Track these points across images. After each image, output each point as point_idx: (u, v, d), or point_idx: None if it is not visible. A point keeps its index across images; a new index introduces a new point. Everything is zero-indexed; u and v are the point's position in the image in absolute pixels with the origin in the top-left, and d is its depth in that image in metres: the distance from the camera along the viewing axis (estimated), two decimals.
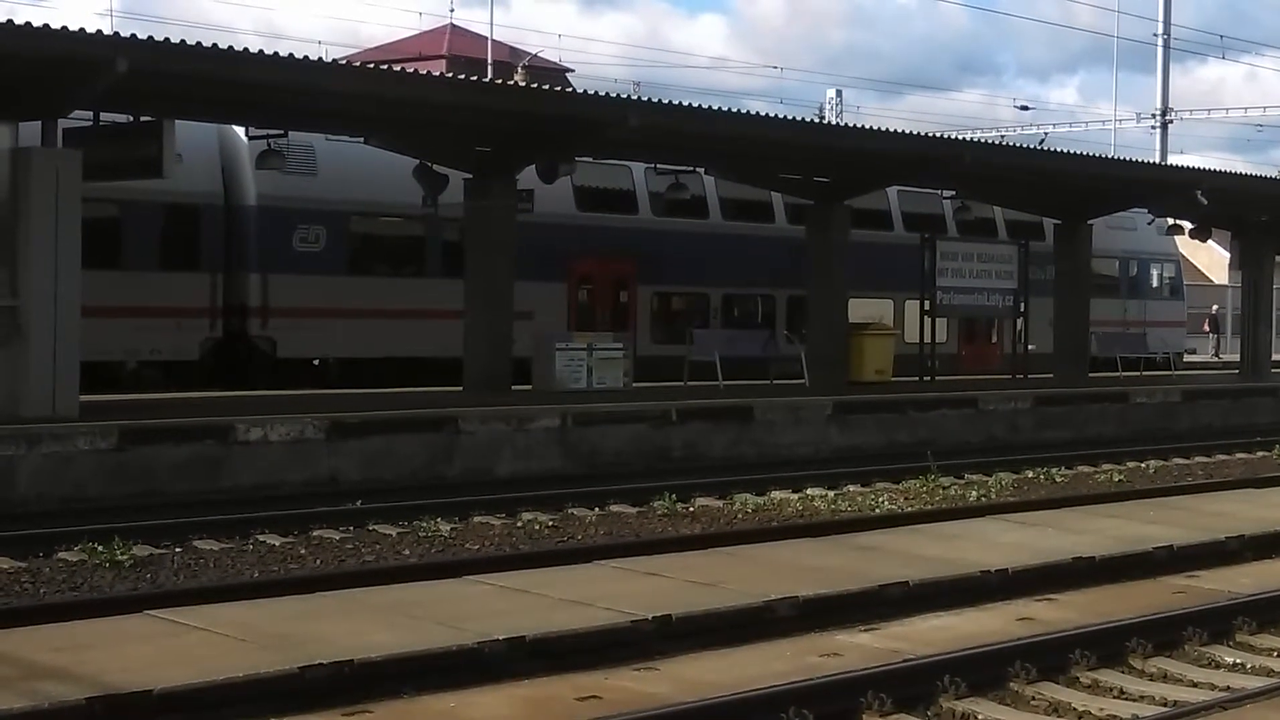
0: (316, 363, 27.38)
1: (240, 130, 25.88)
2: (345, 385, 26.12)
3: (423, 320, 27.85)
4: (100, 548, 13.69)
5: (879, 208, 34.70)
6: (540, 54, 53.76)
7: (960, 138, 31.32)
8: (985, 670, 9.26)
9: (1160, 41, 50.55)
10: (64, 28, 17.90)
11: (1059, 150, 32.21)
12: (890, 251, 32.85)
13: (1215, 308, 59.97)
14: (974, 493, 19.20)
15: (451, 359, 26.78)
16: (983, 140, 38.25)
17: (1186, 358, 44.43)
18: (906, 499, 18.84)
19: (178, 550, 14.38)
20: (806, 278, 29.00)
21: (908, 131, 29.47)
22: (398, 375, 26.98)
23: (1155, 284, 41.30)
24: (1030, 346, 33.36)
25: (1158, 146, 51.11)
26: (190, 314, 25.76)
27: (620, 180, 30.92)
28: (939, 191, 34.25)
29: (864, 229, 34.10)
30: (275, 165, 24.73)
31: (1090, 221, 32.90)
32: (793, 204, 32.36)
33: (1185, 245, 62.93)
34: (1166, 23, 50.45)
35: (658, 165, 29.80)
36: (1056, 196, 32.31)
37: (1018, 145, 34.70)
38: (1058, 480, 21.02)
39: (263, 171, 25.68)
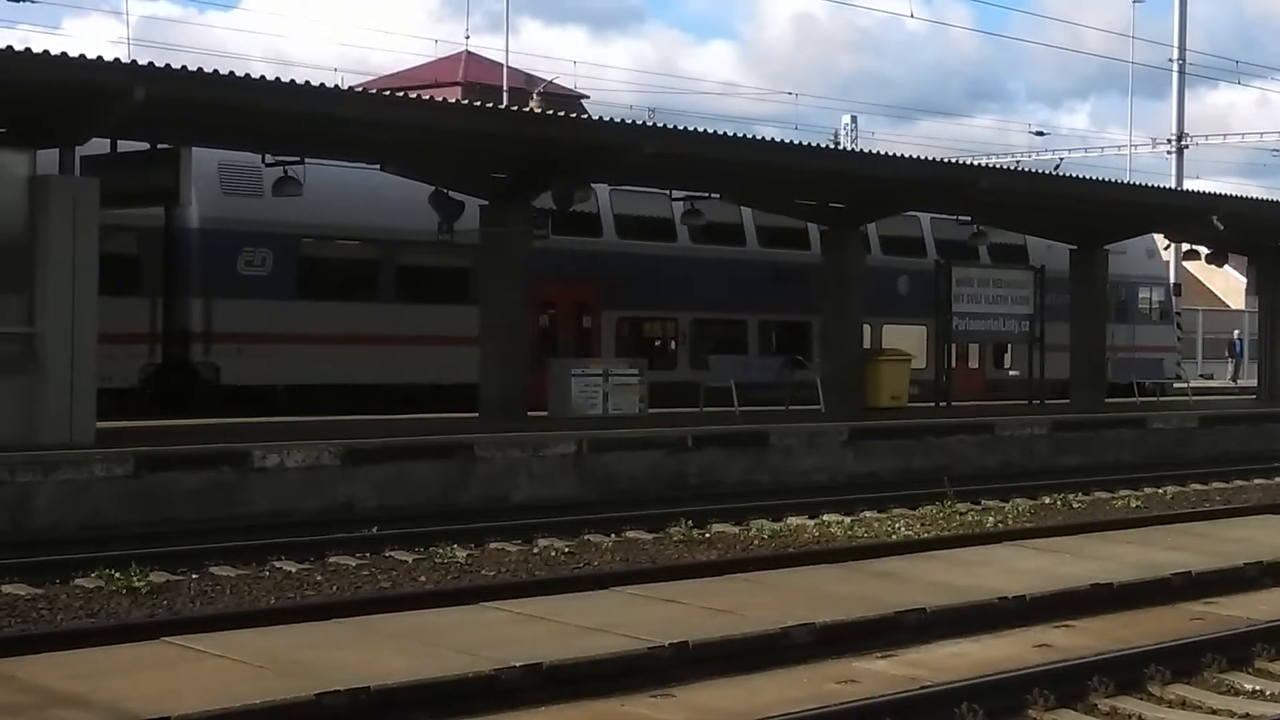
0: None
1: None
2: (295, 413, 25.04)
3: (378, 347, 27.14)
4: (117, 574, 13.71)
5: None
6: (555, 80, 53.85)
7: (975, 163, 31.32)
8: (1003, 698, 9.22)
9: (1175, 67, 50.52)
10: (82, 56, 17.99)
11: (1074, 175, 32.21)
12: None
13: (1236, 332, 59.86)
14: (991, 519, 19.16)
15: (407, 386, 26.54)
16: (998, 166, 38.11)
17: (1203, 382, 43.86)
18: (923, 525, 18.80)
19: (194, 577, 14.39)
20: (822, 303, 28.96)
21: (923, 157, 29.49)
22: (351, 403, 25.96)
23: (1145, 309, 40.48)
24: (1013, 372, 33.19)
25: (1173, 171, 51.05)
26: (128, 340, 24.49)
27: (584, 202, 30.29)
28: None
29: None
30: (292, 192, 24.68)
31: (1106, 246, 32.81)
32: (765, 227, 32.10)
33: (1201, 270, 62.95)
34: (1181, 48, 50.42)
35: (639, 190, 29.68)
36: (1072, 221, 32.28)
37: (1033, 171, 34.50)
38: (1075, 506, 20.97)
39: (207, 193, 24.92)
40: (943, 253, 33.51)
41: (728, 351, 30.91)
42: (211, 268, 25.88)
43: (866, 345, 30.45)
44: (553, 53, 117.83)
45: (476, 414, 24.18)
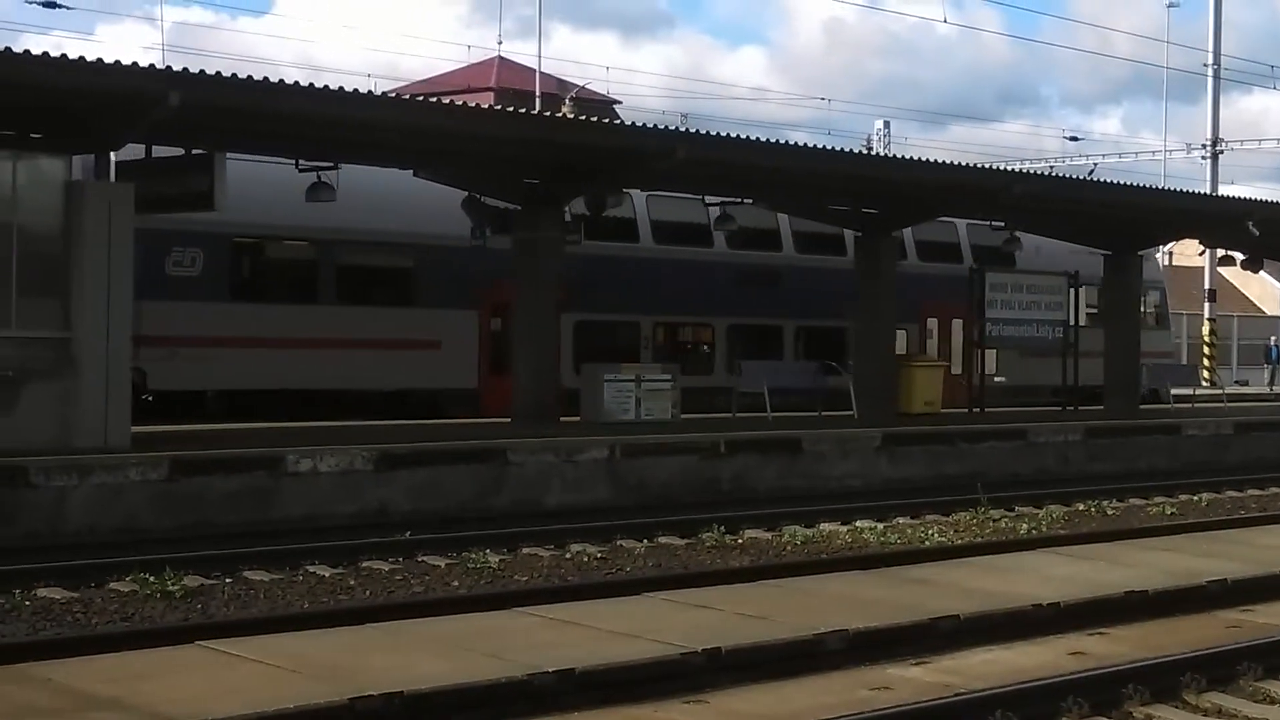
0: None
1: None
2: (229, 419, 24.24)
3: (318, 351, 25.99)
4: (151, 578, 13.75)
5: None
6: (587, 85, 53.90)
7: (1008, 169, 31.21)
8: (1037, 705, 9.18)
9: (1210, 71, 50.32)
10: (117, 62, 18.07)
11: (1107, 181, 32.07)
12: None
13: (1272, 338, 59.64)
14: (1024, 525, 19.09)
15: (350, 391, 25.74)
16: (1031, 171, 37.96)
17: (1236, 388, 43.18)
18: (957, 531, 18.75)
19: (228, 581, 14.44)
20: (856, 308, 28.89)
21: (955, 162, 29.42)
22: (288, 408, 25.05)
23: (1140, 314, 39.72)
24: (999, 379, 32.88)
25: (1207, 177, 50.84)
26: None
27: None
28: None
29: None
30: (326, 198, 24.70)
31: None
32: (733, 229, 31.12)
33: (1236, 276, 62.66)
34: (1216, 52, 50.23)
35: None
36: (1105, 227, 32.16)
37: (1066, 176, 34.37)
38: (1109, 513, 20.88)
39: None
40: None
41: (694, 357, 30.76)
42: (136, 268, 23.60)
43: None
44: (583, 58, 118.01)
45: (509, 419, 24.22)
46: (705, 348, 32.12)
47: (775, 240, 32.40)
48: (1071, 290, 31.48)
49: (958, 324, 33.63)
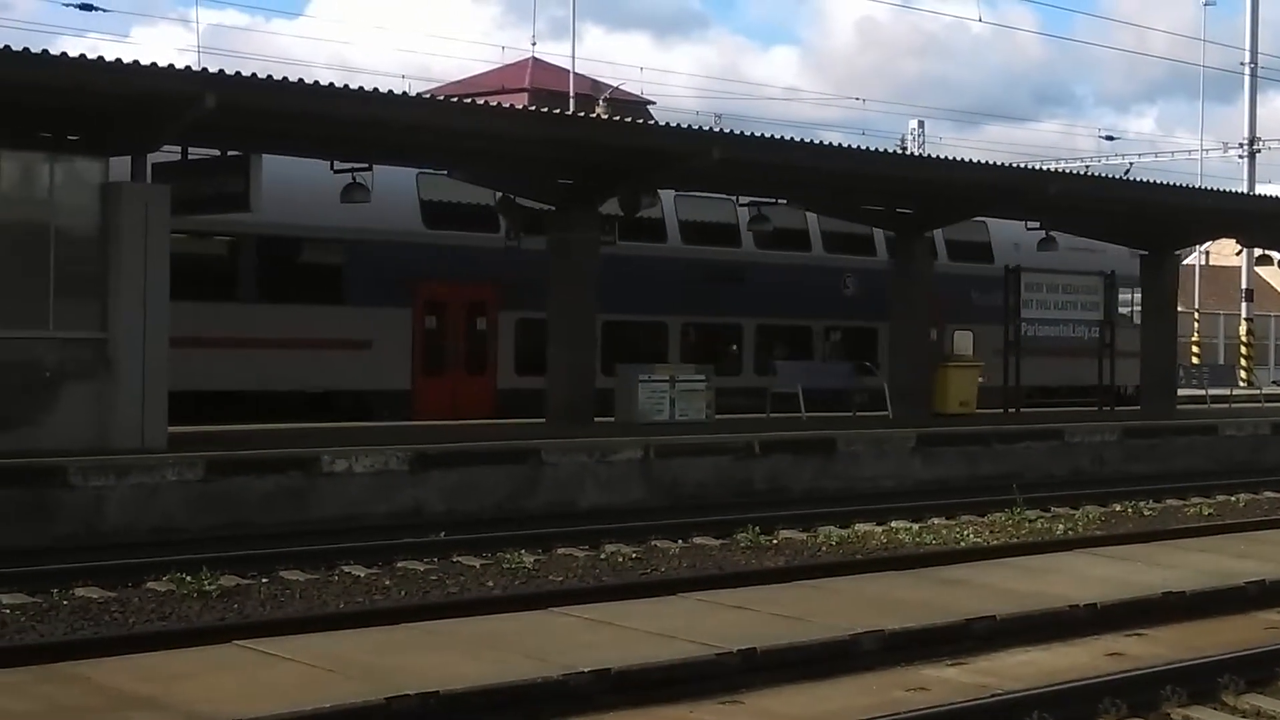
0: None
1: None
2: None
3: (236, 350, 24.76)
4: (188, 578, 13.81)
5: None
6: (621, 86, 53.92)
7: (1043, 168, 31.08)
8: (1074, 706, 9.14)
9: (1247, 70, 50.06)
10: (153, 64, 18.13)
11: (1143, 180, 31.92)
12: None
13: None
14: (1060, 526, 19.02)
15: (272, 393, 24.85)
16: (1067, 171, 37.78)
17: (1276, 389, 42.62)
18: (992, 532, 18.69)
19: (264, 581, 14.48)
20: (892, 308, 28.84)
21: (990, 162, 29.33)
22: (206, 412, 23.35)
23: (1124, 310, 36.80)
24: (979, 379, 32.60)
25: (1245, 176, 50.58)
26: None
27: (478, 195, 27.22)
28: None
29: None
30: (360, 199, 24.74)
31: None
32: (689, 222, 30.76)
33: (1274, 275, 62.37)
34: (1254, 51, 49.98)
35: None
36: (1141, 227, 32.02)
37: (1102, 176, 34.16)
38: (1146, 514, 20.78)
39: None
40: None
41: (651, 358, 29.40)
42: None
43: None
44: (617, 59, 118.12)
45: (544, 419, 24.24)
46: (733, 348, 31.98)
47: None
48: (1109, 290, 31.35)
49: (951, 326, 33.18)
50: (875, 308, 30.73)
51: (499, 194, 25.97)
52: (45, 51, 17.31)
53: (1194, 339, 51.32)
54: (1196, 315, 51.93)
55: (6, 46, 17.01)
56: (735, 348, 31.77)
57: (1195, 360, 49.08)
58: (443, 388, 26.42)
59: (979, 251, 34.61)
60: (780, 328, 31.91)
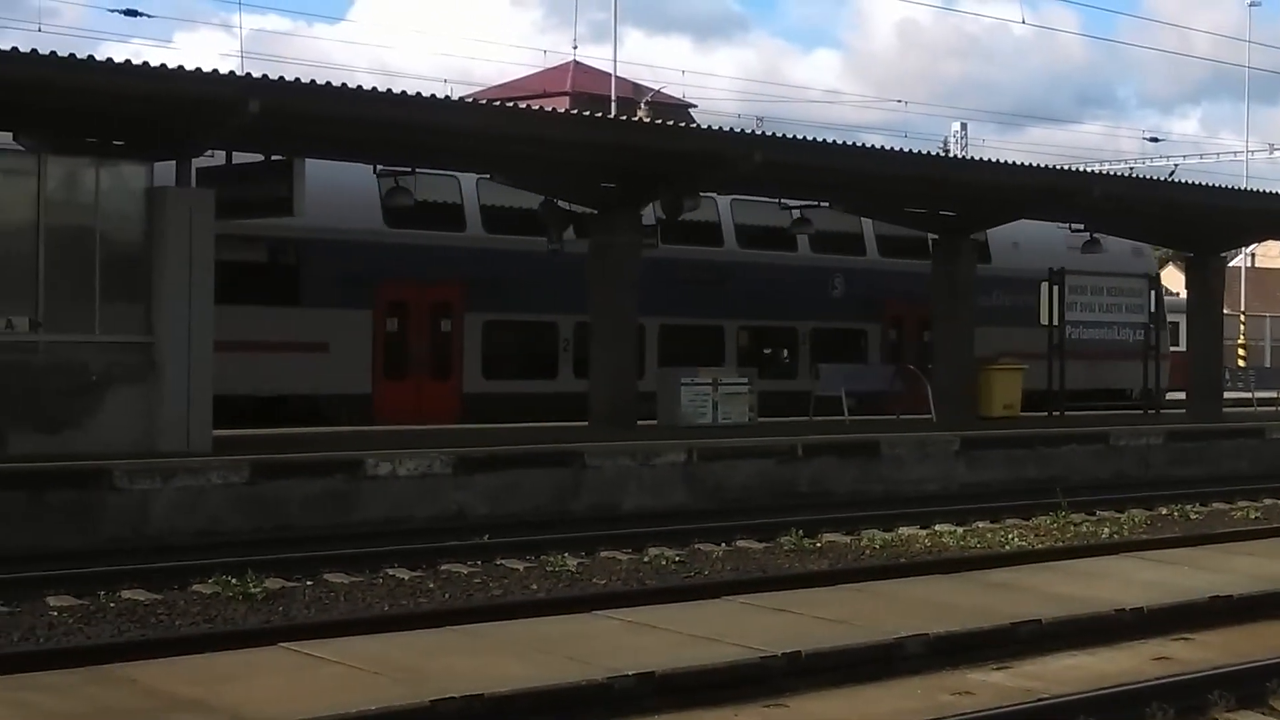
0: None
1: None
2: None
3: None
4: (233, 580, 13.87)
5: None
6: (663, 89, 53.95)
7: (1086, 170, 30.91)
8: (1121, 711, 9.09)
9: None
10: (198, 69, 18.24)
11: (1188, 182, 31.71)
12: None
13: None
14: (1106, 530, 18.92)
15: (215, 396, 23.76)
16: (1111, 173, 37.58)
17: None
18: (1037, 536, 18.60)
19: (308, 583, 14.53)
20: (935, 311, 28.72)
21: (1033, 164, 29.20)
22: None
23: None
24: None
25: None
26: None
27: (445, 192, 26.60)
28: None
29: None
30: (404, 203, 24.78)
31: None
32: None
33: None
34: None
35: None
36: (1186, 229, 31.84)
37: (1146, 178, 33.92)
38: (1192, 517, 20.64)
39: None
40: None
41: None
42: None
43: None
44: (657, 62, 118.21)
45: (586, 423, 24.25)
46: (785, 352, 31.84)
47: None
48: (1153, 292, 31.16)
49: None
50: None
51: (541, 198, 25.97)
52: (91, 57, 17.44)
53: (1240, 341, 51.11)
54: (1243, 318, 51.71)
55: (53, 52, 17.15)
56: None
57: (1241, 363, 48.83)
58: (405, 392, 25.82)
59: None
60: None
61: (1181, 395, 32.97)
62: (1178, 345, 36.36)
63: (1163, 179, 37.08)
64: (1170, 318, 35.19)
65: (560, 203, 25.44)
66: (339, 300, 25.45)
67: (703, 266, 29.89)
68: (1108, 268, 31.81)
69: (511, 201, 26.99)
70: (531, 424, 25.25)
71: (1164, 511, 20.93)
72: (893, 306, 32.53)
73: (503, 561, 15.84)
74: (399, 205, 24.81)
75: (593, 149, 22.76)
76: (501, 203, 27.08)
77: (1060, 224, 32.15)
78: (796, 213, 29.01)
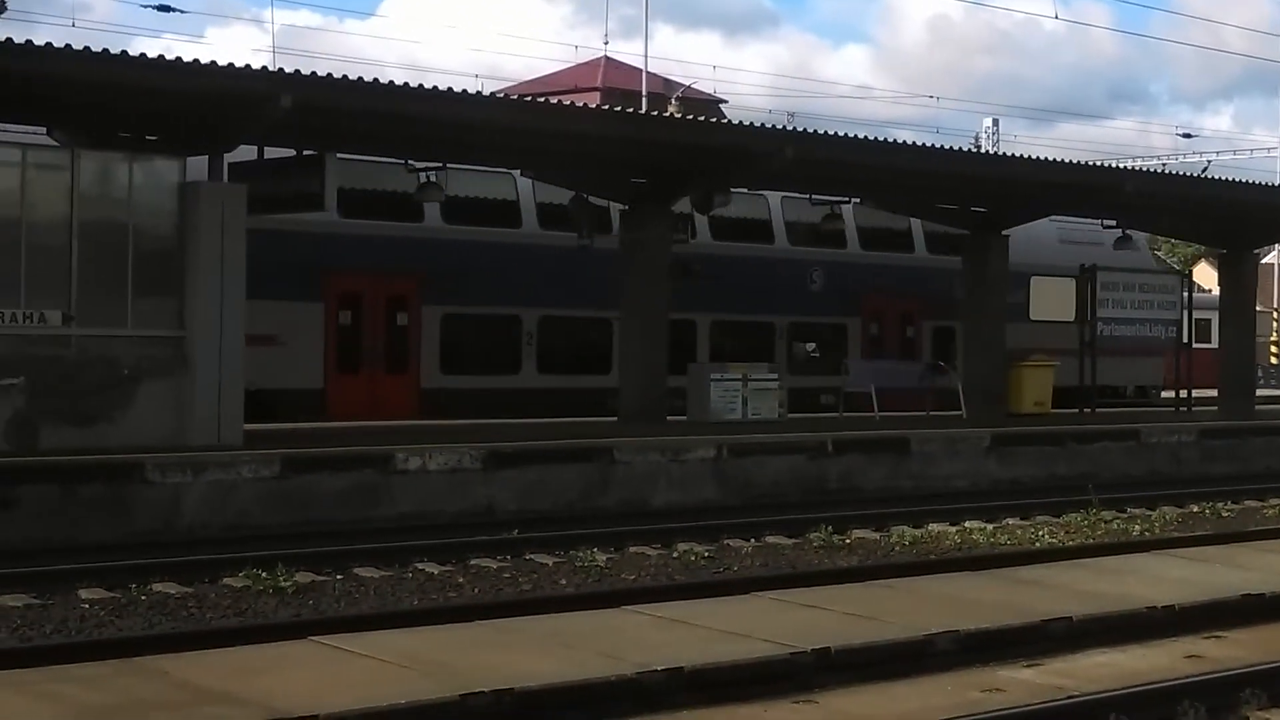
0: None
1: None
2: None
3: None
4: (264, 574, 13.90)
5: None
6: (693, 85, 53.89)
7: (1119, 166, 30.77)
8: (1152, 709, 9.05)
9: None
10: (230, 65, 18.32)
11: (1221, 178, 31.55)
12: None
13: None
14: (1137, 527, 18.85)
15: None
16: (1143, 169, 37.45)
17: None
18: (1067, 533, 18.53)
19: (338, 577, 14.56)
20: (965, 307, 28.66)
21: (1064, 160, 29.09)
22: None
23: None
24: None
25: None
26: None
27: (399, 181, 25.34)
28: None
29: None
30: (435, 198, 24.80)
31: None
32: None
33: None
34: None
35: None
36: (1219, 225, 31.70)
37: (1178, 174, 33.70)
38: (1224, 515, 20.54)
39: None
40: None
41: (590, 355, 28.54)
42: None
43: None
44: (688, 57, 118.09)
45: (616, 418, 24.26)
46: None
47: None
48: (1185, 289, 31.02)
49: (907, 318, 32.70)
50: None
51: (572, 193, 25.99)
52: (124, 53, 17.50)
53: (1273, 339, 50.88)
54: (1276, 315, 51.45)
55: (86, 48, 17.22)
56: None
57: (1274, 360, 48.60)
58: (359, 387, 25.37)
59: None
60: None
61: (1211, 393, 32.76)
62: (1209, 342, 36.11)
63: (1195, 175, 36.87)
64: (1201, 314, 34.86)
65: (590, 198, 25.49)
66: (287, 292, 24.55)
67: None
68: (1107, 262, 31.33)
69: (471, 191, 26.62)
70: (563, 419, 25.16)
71: (1195, 509, 20.83)
72: (871, 301, 32.17)
73: (532, 557, 15.86)
74: (353, 194, 24.21)
75: (623, 144, 22.76)
76: (462, 192, 26.47)
77: (1051, 219, 31.88)
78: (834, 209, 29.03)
